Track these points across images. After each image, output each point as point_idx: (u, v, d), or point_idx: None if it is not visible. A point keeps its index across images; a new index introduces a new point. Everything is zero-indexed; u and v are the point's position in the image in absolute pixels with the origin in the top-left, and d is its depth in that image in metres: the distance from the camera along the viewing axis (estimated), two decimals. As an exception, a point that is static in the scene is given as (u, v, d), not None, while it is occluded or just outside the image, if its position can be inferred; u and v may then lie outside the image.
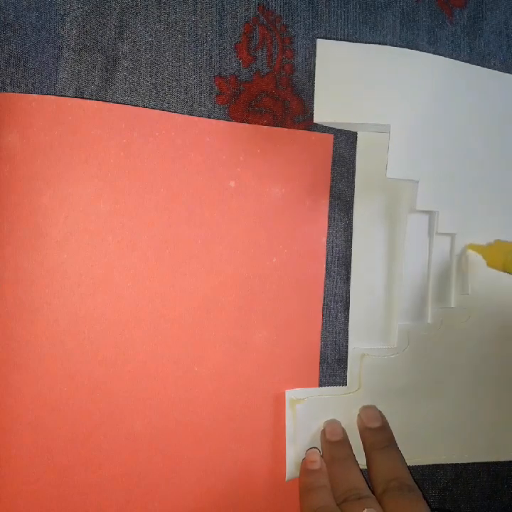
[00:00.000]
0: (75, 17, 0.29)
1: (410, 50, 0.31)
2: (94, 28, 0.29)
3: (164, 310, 0.30)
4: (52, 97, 0.28)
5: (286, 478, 0.32)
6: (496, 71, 0.33)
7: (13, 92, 0.29)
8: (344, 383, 0.33)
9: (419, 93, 0.31)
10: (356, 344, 0.32)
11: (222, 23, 0.31)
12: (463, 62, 0.32)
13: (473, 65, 0.33)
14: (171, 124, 0.30)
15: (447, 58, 0.32)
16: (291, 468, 0.31)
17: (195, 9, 0.31)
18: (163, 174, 0.29)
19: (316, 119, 0.30)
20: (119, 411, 0.29)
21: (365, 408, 0.32)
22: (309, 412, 0.32)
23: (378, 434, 0.31)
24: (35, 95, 0.28)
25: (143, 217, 0.29)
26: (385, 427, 0.31)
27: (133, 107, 0.29)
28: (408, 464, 0.31)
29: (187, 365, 0.30)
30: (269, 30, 0.32)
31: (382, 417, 0.32)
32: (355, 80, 0.30)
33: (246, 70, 0.31)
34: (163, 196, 0.29)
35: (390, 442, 0.31)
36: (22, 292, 0.28)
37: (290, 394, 0.31)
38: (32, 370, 0.28)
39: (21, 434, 0.28)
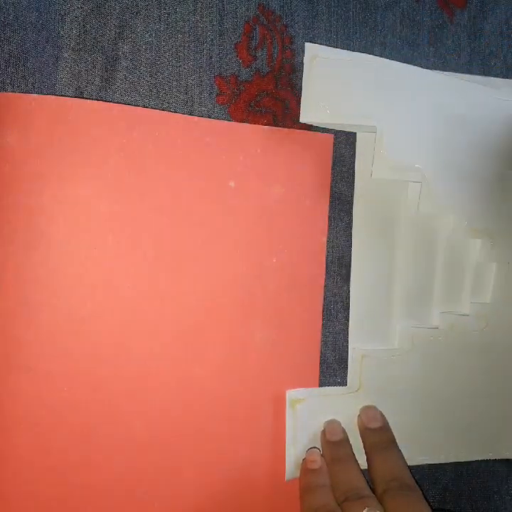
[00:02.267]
0: (75, 17, 0.29)
1: (393, 62, 0.32)
2: (94, 28, 0.29)
3: (164, 310, 0.30)
4: (52, 97, 0.28)
5: (286, 478, 0.32)
6: (479, 76, 0.33)
7: (13, 91, 0.29)
8: (344, 383, 0.33)
9: (407, 99, 0.31)
10: (356, 344, 0.32)
11: (223, 23, 0.31)
12: (445, 74, 0.33)
13: (457, 75, 0.33)
14: (171, 124, 0.30)
15: (431, 70, 0.32)
16: (291, 468, 0.31)
17: (195, 9, 0.31)
18: (163, 174, 0.29)
19: (302, 120, 0.30)
20: (118, 411, 0.29)
21: (366, 408, 0.32)
22: (310, 412, 0.32)
23: (379, 434, 0.31)
24: (35, 95, 0.28)
25: (143, 217, 0.29)
26: (385, 428, 0.31)
27: (133, 107, 0.29)
28: (409, 464, 0.31)
29: (187, 365, 0.30)
30: (269, 30, 0.32)
31: (383, 418, 0.32)
32: (341, 83, 0.30)
33: (246, 69, 0.31)
34: (163, 196, 0.29)
35: (391, 442, 0.31)
36: (22, 292, 0.28)
37: (291, 394, 0.31)
38: (32, 370, 0.28)
39: (21, 434, 0.28)
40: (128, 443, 0.29)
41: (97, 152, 0.28)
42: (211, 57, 0.31)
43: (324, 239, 0.32)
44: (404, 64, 0.32)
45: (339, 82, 0.30)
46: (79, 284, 0.28)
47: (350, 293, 0.33)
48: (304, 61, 0.30)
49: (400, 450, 0.31)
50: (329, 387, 0.32)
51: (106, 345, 0.29)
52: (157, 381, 0.29)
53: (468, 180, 0.32)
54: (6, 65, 0.29)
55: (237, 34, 0.31)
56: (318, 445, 0.32)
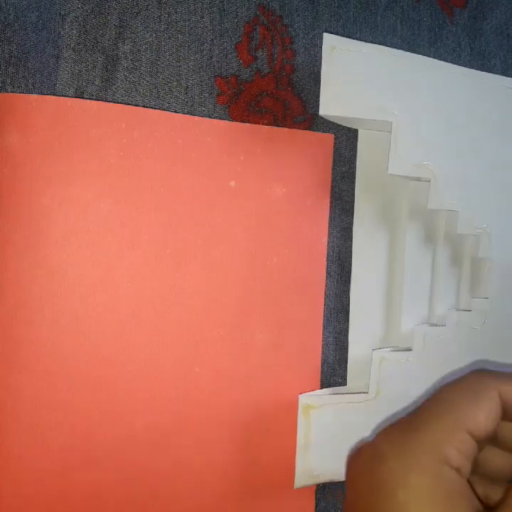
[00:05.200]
0: (76, 17, 0.29)
1: (416, 55, 0.31)
2: (94, 28, 0.29)
3: (164, 310, 0.29)
4: (52, 97, 0.28)
5: (295, 486, 0.30)
6: (497, 75, 0.33)
7: (14, 92, 0.29)
8: (344, 383, 0.33)
9: (425, 94, 0.30)
10: (356, 346, 0.32)
11: (223, 23, 0.31)
12: (467, 68, 0.32)
13: (475, 70, 0.32)
14: (171, 124, 0.30)
15: (453, 65, 0.31)
16: (300, 475, 0.30)
17: (195, 9, 0.31)
18: (163, 174, 0.29)
19: (322, 112, 0.29)
20: (119, 411, 0.29)
21: None
22: (324, 419, 0.30)
23: None
24: (35, 95, 0.28)
25: (143, 217, 0.29)
26: None
27: (133, 106, 0.29)
28: None
29: (187, 365, 0.30)
30: (270, 30, 0.32)
31: None
32: (360, 76, 0.29)
33: (246, 70, 0.31)
34: (163, 196, 0.29)
35: None
36: (22, 292, 0.28)
37: (304, 399, 0.30)
38: (32, 370, 0.28)
39: (21, 434, 0.28)
40: (128, 443, 0.29)
41: (97, 152, 0.28)
42: (211, 58, 0.31)
43: (325, 239, 0.32)
44: (424, 57, 0.31)
45: (358, 75, 0.29)
46: (79, 284, 0.28)
47: (350, 293, 0.33)
48: (323, 52, 0.29)
49: None
50: (346, 394, 0.30)
51: (106, 345, 0.29)
52: (157, 381, 0.29)
53: (473, 177, 0.31)
54: (6, 65, 0.29)
55: (238, 34, 0.31)
56: (334, 453, 0.30)
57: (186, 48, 0.31)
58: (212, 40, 0.31)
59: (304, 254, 0.32)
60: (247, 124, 0.31)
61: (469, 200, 0.31)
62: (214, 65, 0.31)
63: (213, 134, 0.30)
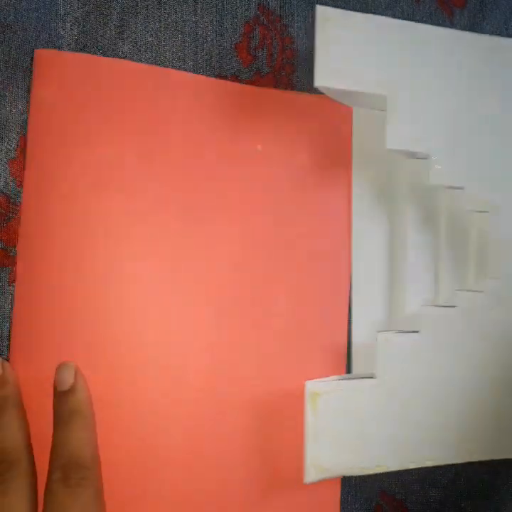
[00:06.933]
0: (76, 17, 0.29)
1: (410, 22, 0.30)
2: (94, 28, 0.29)
3: (187, 272, 0.30)
4: (87, 55, 0.29)
5: (305, 481, 0.28)
6: (495, 36, 0.31)
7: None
8: (349, 369, 0.32)
9: (421, 65, 0.29)
10: (359, 331, 0.31)
11: (223, 23, 0.31)
12: (463, 31, 0.30)
13: (472, 33, 0.31)
14: (198, 86, 0.30)
15: (447, 28, 0.30)
16: (310, 469, 0.28)
17: (195, 9, 0.31)
18: (189, 134, 0.30)
19: (317, 83, 0.28)
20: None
21: (58, 368, 0.27)
22: (333, 407, 0.28)
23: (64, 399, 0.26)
24: (68, 52, 0.29)
25: (167, 178, 0.29)
26: (75, 390, 0.26)
27: (160, 67, 0.30)
28: (432, 465, 0.29)
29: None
30: (269, 30, 0.32)
31: (77, 376, 0.26)
32: (355, 48, 0.28)
33: (246, 69, 0.31)
34: (188, 155, 0.30)
35: (75, 412, 0.26)
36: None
37: (311, 386, 0.27)
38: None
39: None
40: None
41: (124, 111, 0.29)
42: (211, 57, 0.31)
43: (350, 206, 0.32)
44: (423, 24, 0.30)
45: (353, 47, 0.28)
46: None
47: (352, 277, 0.32)
48: (316, 24, 0.28)
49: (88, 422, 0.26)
50: (354, 380, 0.29)
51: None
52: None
53: (478, 152, 0.30)
54: (6, 66, 0.29)
55: (237, 34, 0.31)
56: (344, 444, 0.28)
57: (186, 47, 0.31)
58: (212, 40, 0.31)
59: (329, 224, 0.32)
60: (273, 89, 0.31)
61: (475, 175, 0.29)
62: (214, 65, 0.31)
63: (240, 97, 0.30)
